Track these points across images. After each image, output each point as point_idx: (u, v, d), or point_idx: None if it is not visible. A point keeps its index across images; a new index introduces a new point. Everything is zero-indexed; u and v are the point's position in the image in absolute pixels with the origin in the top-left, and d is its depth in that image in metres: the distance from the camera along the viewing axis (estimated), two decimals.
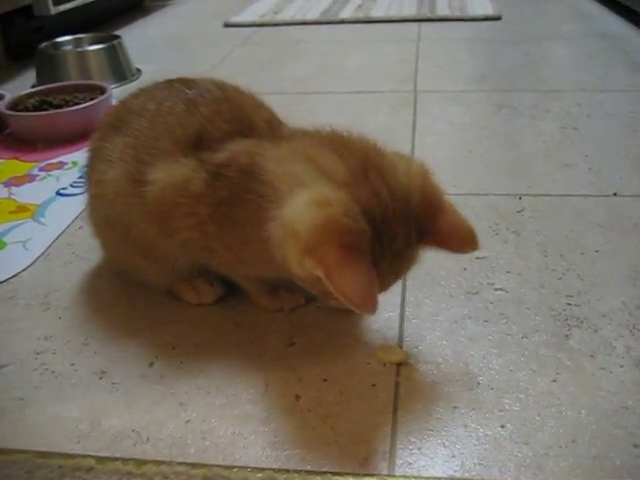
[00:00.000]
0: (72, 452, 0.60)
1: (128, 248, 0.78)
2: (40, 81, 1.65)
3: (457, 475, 0.57)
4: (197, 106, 0.72)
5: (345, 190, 0.59)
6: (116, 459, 0.59)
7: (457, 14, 2.21)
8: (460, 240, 0.64)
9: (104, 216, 0.78)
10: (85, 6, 2.10)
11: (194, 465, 0.59)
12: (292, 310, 0.78)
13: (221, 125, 0.71)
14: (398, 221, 0.60)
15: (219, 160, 0.68)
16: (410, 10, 2.30)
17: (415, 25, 2.14)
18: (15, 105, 1.37)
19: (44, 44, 1.71)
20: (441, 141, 1.24)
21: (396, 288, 0.81)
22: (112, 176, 0.74)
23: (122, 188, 0.73)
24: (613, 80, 1.54)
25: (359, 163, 0.61)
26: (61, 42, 1.76)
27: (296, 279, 0.65)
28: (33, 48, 1.72)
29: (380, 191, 0.60)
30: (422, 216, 0.62)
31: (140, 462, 0.59)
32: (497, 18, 2.17)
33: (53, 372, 0.72)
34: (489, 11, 2.22)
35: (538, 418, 0.62)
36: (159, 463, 0.59)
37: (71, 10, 2.02)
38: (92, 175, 0.79)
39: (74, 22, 2.07)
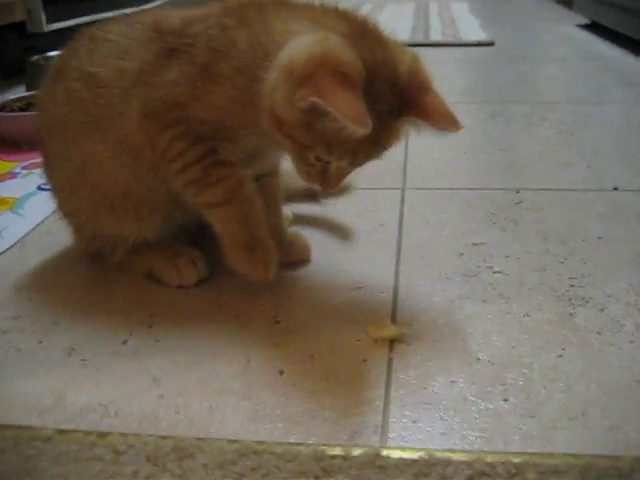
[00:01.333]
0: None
1: (96, 207, 0.75)
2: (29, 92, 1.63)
3: (457, 447, 0.51)
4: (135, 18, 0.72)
5: (342, 37, 0.60)
6: (78, 431, 0.54)
7: (450, 40, 2.22)
8: (443, 118, 0.63)
9: (67, 178, 0.76)
10: (79, 26, 2.10)
11: (165, 437, 0.53)
12: (270, 286, 0.71)
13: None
14: (385, 84, 0.60)
15: (174, 26, 0.68)
16: (404, 37, 2.31)
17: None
18: (1, 108, 1.34)
19: (35, 57, 1.69)
20: (434, 143, 1.20)
21: (389, 269, 0.77)
22: (66, 123, 0.73)
23: (78, 128, 0.72)
24: (607, 94, 1.53)
25: (359, 27, 0.64)
26: (52, 56, 1.74)
27: (276, 135, 0.63)
28: (25, 67, 1.70)
29: (374, 51, 0.61)
30: (408, 90, 0.62)
31: (104, 433, 0.53)
32: (490, 44, 2.18)
33: (18, 350, 0.66)
34: (482, 37, 2.24)
35: (544, 392, 0.57)
36: (125, 434, 0.53)
37: (65, 29, 2.01)
38: (48, 149, 0.79)
39: (67, 43, 2.06)
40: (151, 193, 0.72)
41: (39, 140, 0.80)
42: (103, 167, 0.72)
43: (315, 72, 0.56)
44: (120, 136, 0.70)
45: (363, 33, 0.63)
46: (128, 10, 2.53)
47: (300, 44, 0.60)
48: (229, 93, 0.65)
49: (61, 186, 0.79)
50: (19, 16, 1.87)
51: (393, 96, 0.61)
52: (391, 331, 0.64)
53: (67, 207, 0.80)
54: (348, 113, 0.55)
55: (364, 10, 3.01)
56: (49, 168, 0.81)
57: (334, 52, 0.58)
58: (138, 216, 0.73)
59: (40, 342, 0.67)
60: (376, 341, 0.64)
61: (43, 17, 1.88)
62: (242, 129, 0.67)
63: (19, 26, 1.90)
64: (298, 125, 0.60)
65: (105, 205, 0.73)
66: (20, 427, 0.54)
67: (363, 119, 0.55)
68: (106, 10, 2.27)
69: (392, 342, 0.64)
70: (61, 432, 0.53)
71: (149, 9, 0.76)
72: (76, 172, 0.74)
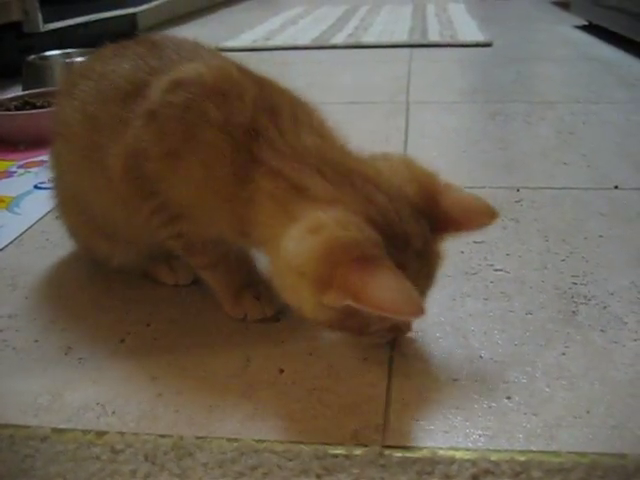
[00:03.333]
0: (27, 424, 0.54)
1: (90, 230, 0.74)
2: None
3: (461, 445, 0.50)
4: (144, 58, 0.65)
5: (337, 206, 0.53)
6: (75, 430, 0.53)
7: (448, 41, 2.22)
8: (474, 215, 0.58)
9: (63, 197, 0.75)
10: (76, 26, 2.09)
11: (163, 435, 0.52)
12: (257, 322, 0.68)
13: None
14: (405, 220, 0.54)
15: (154, 99, 0.61)
16: (401, 37, 2.31)
17: (407, 50, 2.14)
18: None
19: (32, 56, 1.68)
20: (434, 143, 1.21)
21: None
22: (66, 150, 0.71)
23: (75, 161, 0.70)
24: (607, 94, 1.53)
25: (339, 174, 0.55)
26: (49, 55, 1.73)
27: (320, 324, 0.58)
28: (21, 67, 1.69)
29: (373, 195, 0.54)
30: (424, 206, 0.56)
31: (102, 432, 0.52)
32: (488, 45, 2.18)
33: (14, 348, 0.65)
34: (480, 38, 2.23)
35: (547, 390, 0.56)
36: (123, 433, 0.52)
37: (61, 30, 2.01)
38: (52, 156, 0.77)
39: (64, 43, 2.05)
40: (135, 235, 0.71)
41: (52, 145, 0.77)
42: (88, 198, 0.71)
43: (333, 273, 0.49)
44: (107, 182, 0.66)
45: (348, 178, 0.55)
46: (124, 11, 2.52)
47: (295, 242, 0.52)
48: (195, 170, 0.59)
49: (56, 192, 0.78)
50: (16, 16, 1.86)
51: (419, 225, 0.55)
52: None
53: (61, 211, 0.79)
54: (395, 308, 0.48)
55: (361, 12, 3.00)
56: (52, 168, 0.79)
57: (340, 239, 0.50)
58: (116, 243, 0.73)
59: (36, 341, 0.66)
60: None
61: (40, 17, 1.87)
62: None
63: (16, 26, 1.89)
64: (340, 317, 0.52)
65: (90, 228, 0.73)
66: (16, 426, 0.53)
67: (413, 307, 0.48)
68: (103, 10, 2.27)
69: (393, 340, 0.63)
70: (58, 431, 0.52)
71: (158, 35, 0.72)
72: (67, 188, 0.74)
